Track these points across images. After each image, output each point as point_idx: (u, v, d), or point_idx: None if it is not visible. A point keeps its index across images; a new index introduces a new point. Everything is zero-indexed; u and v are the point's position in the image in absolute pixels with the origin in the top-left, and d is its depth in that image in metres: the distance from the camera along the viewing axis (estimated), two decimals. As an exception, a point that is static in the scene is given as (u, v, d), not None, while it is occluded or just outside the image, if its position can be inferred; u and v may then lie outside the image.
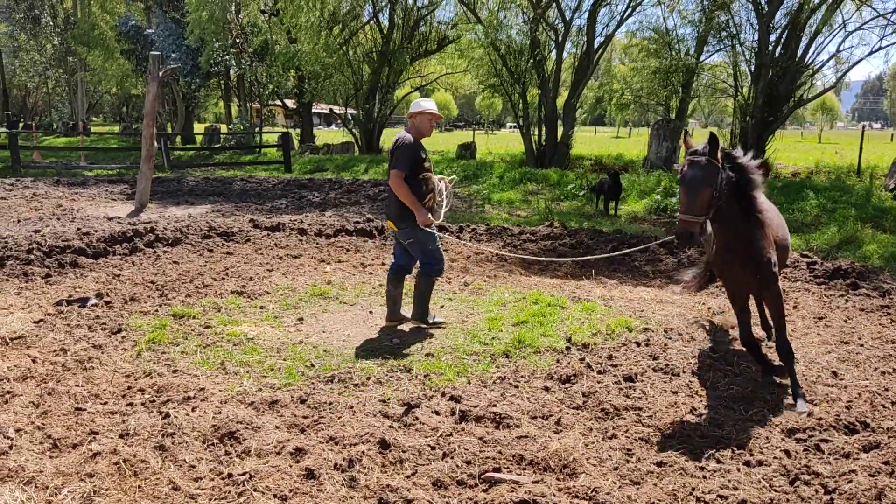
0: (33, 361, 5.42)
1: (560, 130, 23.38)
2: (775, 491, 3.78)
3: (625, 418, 4.64)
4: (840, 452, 4.20)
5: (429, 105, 6.45)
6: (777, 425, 4.57)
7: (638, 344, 6.12)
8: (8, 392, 4.81)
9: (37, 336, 6.05)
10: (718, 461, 4.12)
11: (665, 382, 5.26)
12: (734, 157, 4.82)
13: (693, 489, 3.74)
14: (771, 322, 5.65)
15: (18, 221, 12.01)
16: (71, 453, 4.04)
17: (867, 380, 5.37)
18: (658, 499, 3.62)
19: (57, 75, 46.62)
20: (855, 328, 6.77)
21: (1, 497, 3.51)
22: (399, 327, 6.70)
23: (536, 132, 23.84)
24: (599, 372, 5.48)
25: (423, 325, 6.70)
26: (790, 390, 5.02)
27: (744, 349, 5.99)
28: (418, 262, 6.68)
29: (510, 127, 70.15)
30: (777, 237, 5.27)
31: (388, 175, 6.30)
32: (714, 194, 4.59)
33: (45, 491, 3.61)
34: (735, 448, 4.26)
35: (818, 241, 10.50)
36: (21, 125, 42.19)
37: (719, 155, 4.67)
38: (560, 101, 24.25)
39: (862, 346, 6.23)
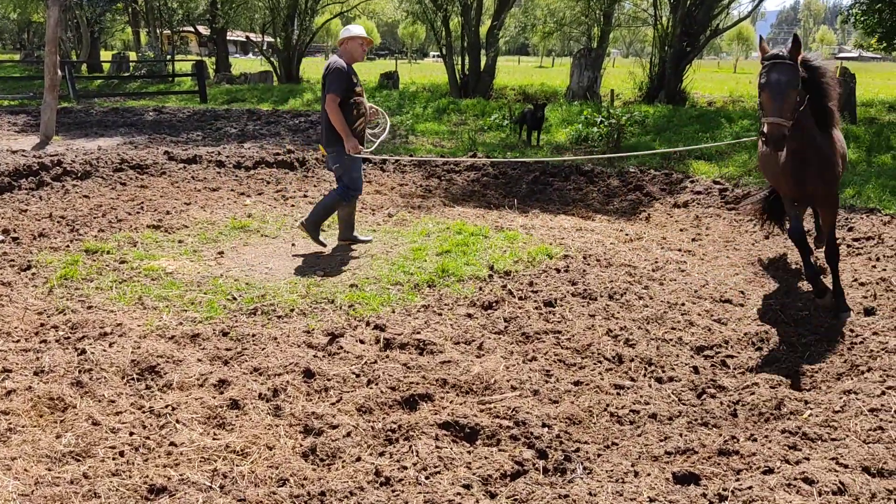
0: (-65, 301, 5.18)
1: (483, 60, 23.15)
2: (683, 404, 4.00)
3: (544, 341, 4.79)
4: (744, 367, 4.47)
5: (359, 30, 6.79)
6: (687, 343, 4.81)
7: (558, 270, 6.27)
8: None
9: (-62, 275, 5.76)
10: (632, 379, 4.32)
11: (583, 307, 5.43)
12: (809, 60, 4.80)
13: (607, 405, 3.92)
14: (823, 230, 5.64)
15: (-90, 155, 11.22)
16: (-18, 393, 3.91)
17: (771, 299, 5.68)
18: (574, 415, 3.78)
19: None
20: (762, 251, 7.12)
21: None
22: (323, 257, 6.66)
23: (459, 61, 23.57)
24: (520, 298, 5.60)
25: (311, 238, 6.97)
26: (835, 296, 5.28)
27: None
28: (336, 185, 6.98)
29: (434, 56, 68.98)
30: (841, 146, 5.38)
31: (322, 100, 6.56)
32: (797, 98, 4.60)
33: (-45, 432, 3.50)
34: (647, 365, 4.48)
35: (730, 168, 10.85)
36: None
37: (799, 59, 4.65)
38: (483, 30, 23.93)
39: (766, 268, 6.57)
